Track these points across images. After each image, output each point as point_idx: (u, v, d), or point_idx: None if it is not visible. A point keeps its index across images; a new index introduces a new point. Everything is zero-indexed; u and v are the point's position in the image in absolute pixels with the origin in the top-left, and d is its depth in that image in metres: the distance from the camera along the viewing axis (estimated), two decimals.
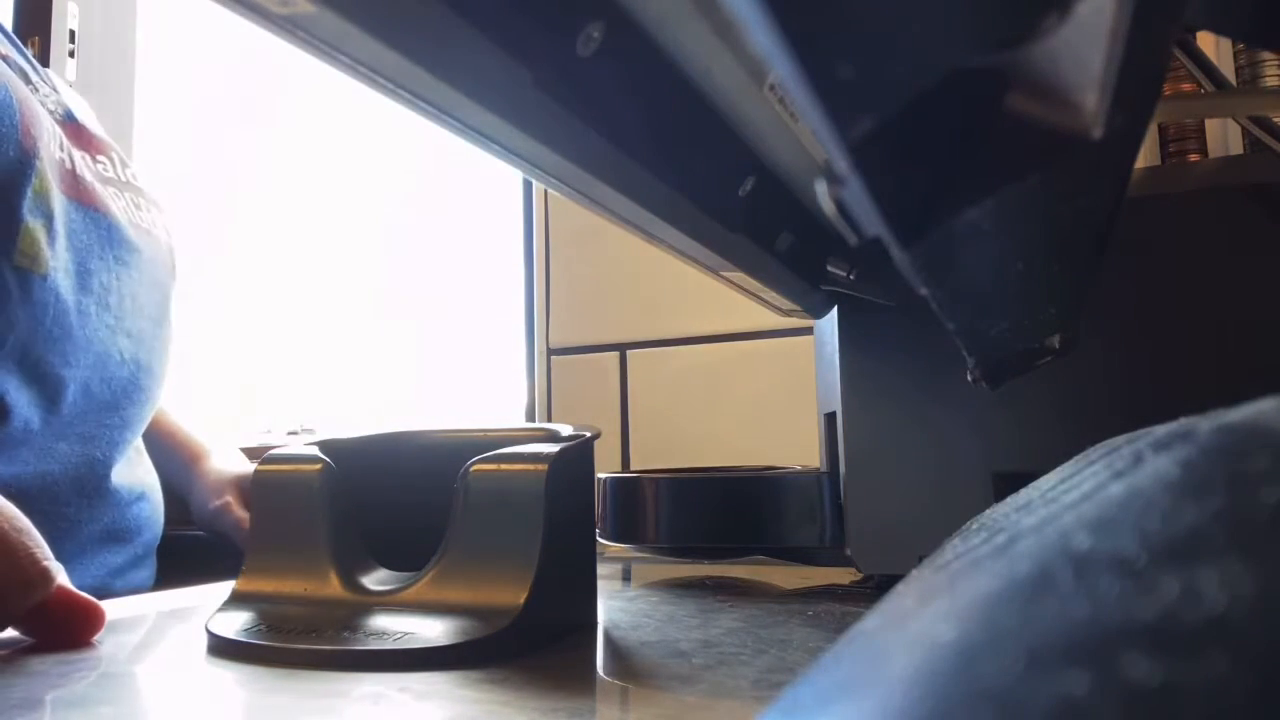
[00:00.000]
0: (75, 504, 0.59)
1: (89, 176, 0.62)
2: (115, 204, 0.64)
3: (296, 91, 1.34)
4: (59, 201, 0.58)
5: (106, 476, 0.62)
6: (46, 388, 0.58)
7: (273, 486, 0.35)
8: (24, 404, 0.56)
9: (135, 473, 0.66)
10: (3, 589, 0.32)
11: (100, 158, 0.66)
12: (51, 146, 0.58)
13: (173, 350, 0.72)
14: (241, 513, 0.72)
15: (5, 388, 0.55)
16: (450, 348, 1.23)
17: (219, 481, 0.76)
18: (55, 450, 0.59)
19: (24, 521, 0.34)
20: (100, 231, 0.62)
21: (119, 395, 0.63)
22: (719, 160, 0.32)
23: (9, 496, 0.44)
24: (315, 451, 0.36)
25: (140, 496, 0.66)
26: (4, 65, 0.57)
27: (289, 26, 0.18)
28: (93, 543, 0.61)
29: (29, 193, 0.55)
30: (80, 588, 0.34)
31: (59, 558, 0.46)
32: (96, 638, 0.33)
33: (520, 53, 0.20)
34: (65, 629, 0.33)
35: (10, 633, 0.33)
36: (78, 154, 0.62)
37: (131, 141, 1.18)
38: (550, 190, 0.28)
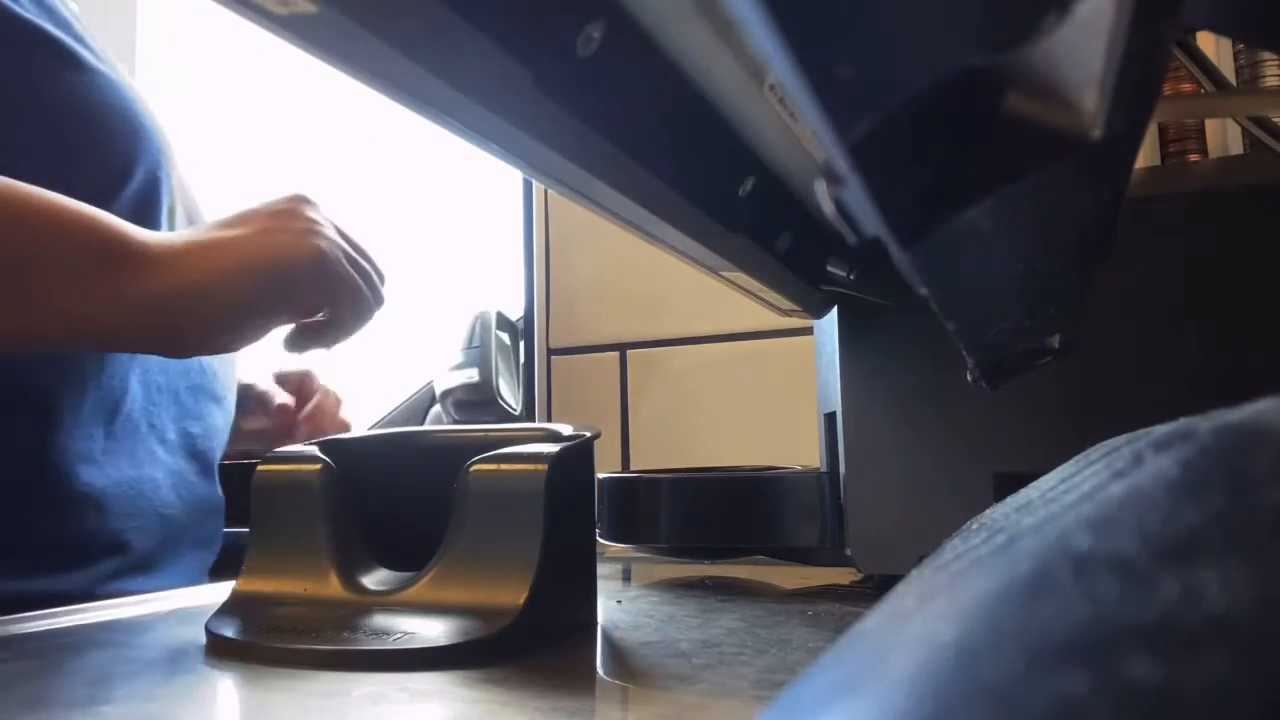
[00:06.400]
0: (177, 508, 0.59)
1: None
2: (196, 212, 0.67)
3: (296, 91, 1.34)
4: (179, 215, 0.61)
5: (210, 480, 0.63)
6: (157, 391, 0.59)
7: (273, 486, 0.35)
8: (138, 402, 0.57)
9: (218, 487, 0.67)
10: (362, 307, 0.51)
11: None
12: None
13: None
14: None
15: (130, 386, 0.56)
16: (450, 348, 1.23)
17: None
18: (157, 455, 0.59)
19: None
20: None
21: (195, 398, 0.63)
22: (719, 160, 0.32)
23: (120, 499, 0.49)
24: (315, 451, 0.36)
25: (217, 510, 0.66)
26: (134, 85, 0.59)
27: (289, 26, 0.18)
28: (190, 547, 0.62)
29: (166, 210, 0.59)
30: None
31: (162, 559, 0.52)
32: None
33: (520, 53, 0.20)
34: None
35: None
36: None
37: None
38: (550, 190, 0.28)
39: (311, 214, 0.51)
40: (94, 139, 0.54)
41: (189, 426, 0.61)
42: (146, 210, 0.57)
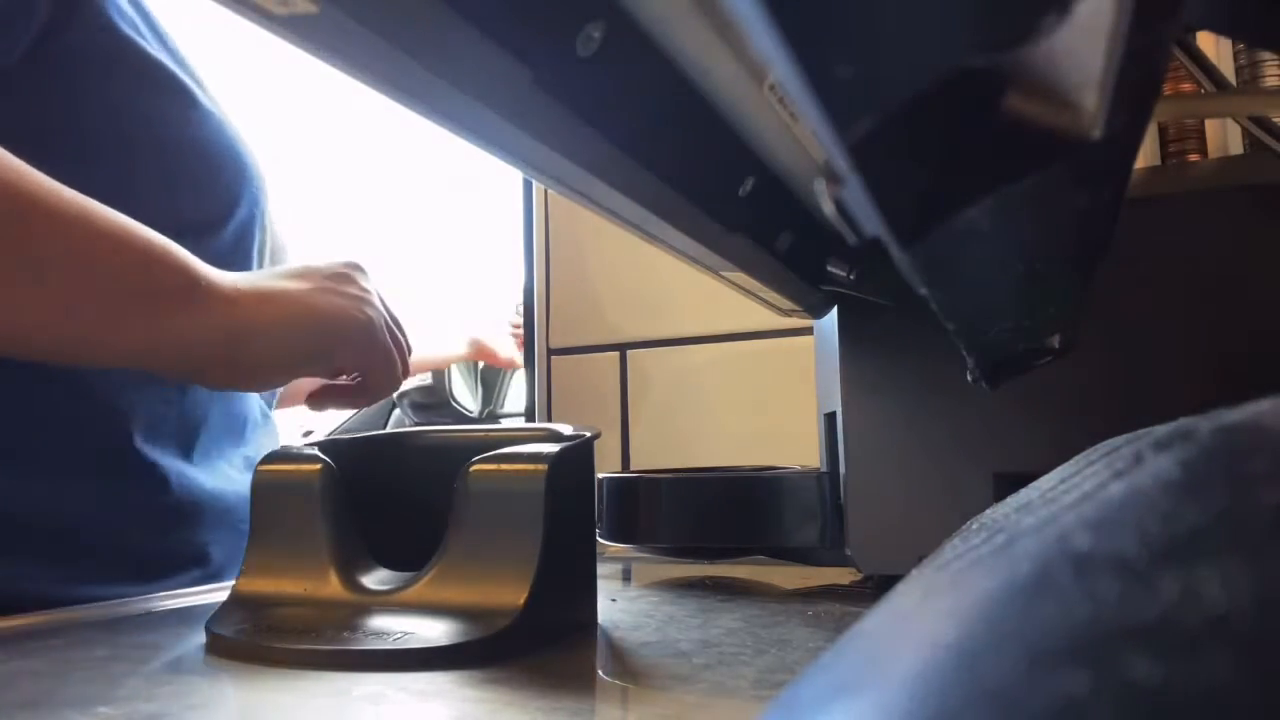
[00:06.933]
0: (249, 522, 0.62)
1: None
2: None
3: (296, 91, 1.34)
4: (268, 248, 0.65)
5: None
6: (224, 416, 0.61)
7: (273, 486, 0.35)
8: (210, 431, 0.60)
9: None
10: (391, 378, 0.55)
11: None
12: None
13: None
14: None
15: (210, 416, 0.59)
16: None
17: None
18: (233, 476, 0.62)
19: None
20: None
21: (244, 426, 0.65)
22: (719, 160, 0.32)
23: (212, 513, 0.51)
24: (315, 451, 0.36)
25: None
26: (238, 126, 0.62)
27: (289, 26, 0.18)
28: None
29: (258, 243, 0.62)
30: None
31: (229, 568, 0.64)
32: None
33: (520, 53, 0.20)
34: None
35: None
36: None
37: None
38: (550, 190, 0.28)
39: (364, 283, 0.55)
40: (205, 177, 0.58)
41: (246, 451, 0.64)
42: (244, 244, 0.60)
